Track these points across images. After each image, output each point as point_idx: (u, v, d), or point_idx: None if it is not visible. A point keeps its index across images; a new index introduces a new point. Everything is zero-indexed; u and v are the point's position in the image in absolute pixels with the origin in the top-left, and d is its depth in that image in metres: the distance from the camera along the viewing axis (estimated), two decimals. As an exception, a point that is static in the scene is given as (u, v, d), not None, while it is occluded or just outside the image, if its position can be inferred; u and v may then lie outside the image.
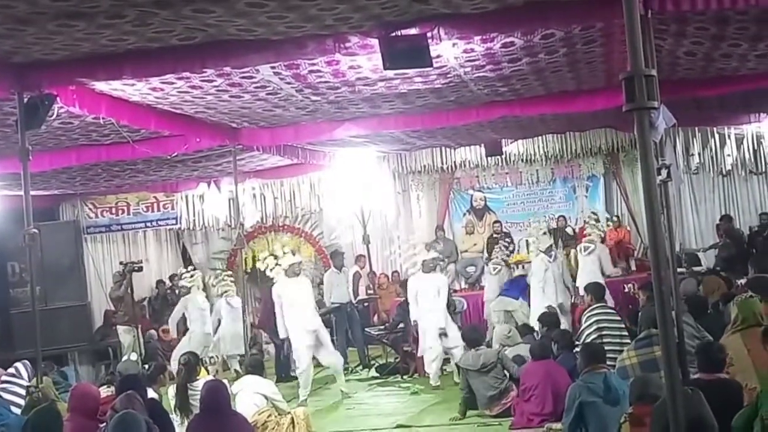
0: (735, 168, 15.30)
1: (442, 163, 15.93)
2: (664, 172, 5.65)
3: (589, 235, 13.18)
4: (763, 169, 15.35)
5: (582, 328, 9.23)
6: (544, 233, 13.06)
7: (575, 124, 13.58)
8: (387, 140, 12.88)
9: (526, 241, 13.36)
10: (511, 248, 14.75)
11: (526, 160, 15.99)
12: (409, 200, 16.88)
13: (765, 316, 6.68)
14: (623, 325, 9.09)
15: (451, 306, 12.42)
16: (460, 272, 15.36)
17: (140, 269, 13.31)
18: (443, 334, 11.14)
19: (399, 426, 9.33)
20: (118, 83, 7.48)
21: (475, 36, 6.90)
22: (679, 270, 7.76)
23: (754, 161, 15.15)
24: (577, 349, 8.35)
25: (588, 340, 8.70)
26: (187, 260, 16.88)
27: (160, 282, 16.04)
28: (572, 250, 13.74)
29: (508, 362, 9.31)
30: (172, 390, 8.45)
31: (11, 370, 8.16)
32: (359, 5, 5.78)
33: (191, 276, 13.77)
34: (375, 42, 6.43)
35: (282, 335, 11.51)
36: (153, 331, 14.33)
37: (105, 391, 7.67)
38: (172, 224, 16.48)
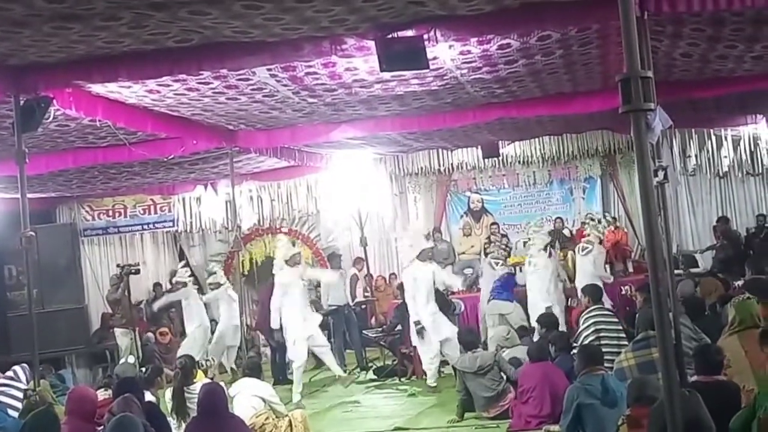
0: (732, 170, 15.32)
1: (439, 165, 15.95)
2: (660, 174, 5.65)
3: (588, 235, 13.17)
4: (760, 171, 15.37)
5: (579, 330, 9.22)
6: (548, 232, 13.12)
7: (572, 126, 13.59)
8: (384, 142, 12.89)
9: (527, 239, 13.29)
10: (508, 250, 14.74)
11: (523, 161, 16.00)
12: (407, 202, 16.87)
13: (762, 317, 6.68)
14: (621, 327, 9.08)
15: (449, 307, 12.43)
16: (458, 274, 15.34)
17: (137, 272, 13.29)
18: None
19: (397, 428, 9.30)
20: (115, 85, 7.47)
21: (472, 38, 6.90)
22: (676, 272, 7.79)
23: (750, 163, 15.17)
24: (575, 350, 8.34)
25: (585, 342, 8.70)
26: (184, 263, 16.85)
27: (157, 285, 16.01)
28: (569, 252, 13.73)
29: (505, 364, 9.31)
30: (169, 393, 8.44)
31: (9, 373, 8.15)
32: (355, 7, 5.77)
33: (189, 274, 13.78)
34: (371, 44, 6.43)
35: (276, 326, 11.56)
36: (150, 334, 14.31)
37: (102, 394, 7.65)
38: (169, 227, 16.48)
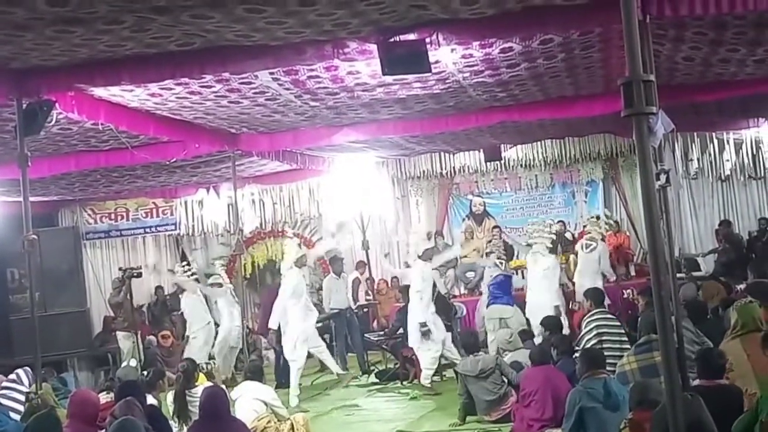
0: (734, 173, 15.30)
1: (441, 169, 15.94)
2: (663, 177, 5.65)
3: (590, 233, 13.17)
4: (762, 174, 15.36)
5: (582, 333, 9.22)
6: (553, 233, 13.14)
7: (574, 130, 13.58)
8: (386, 145, 12.89)
9: (528, 242, 13.27)
10: (509, 253, 14.74)
11: (525, 165, 15.99)
12: (408, 206, 16.87)
13: (764, 321, 6.68)
14: (623, 331, 9.07)
15: (451, 311, 12.44)
16: (460, 277, 15.32)
17: (139, 275, 13.30)
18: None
19: (398, 432, 9.33)
20: (117, 89, 7.48)
21: (474, 41, 6.91)
22: (678, 275, 7.75)
23: (752, 166, 15.16)
24: (577, 354, 8.33)
25: (588, 346, 8.69)
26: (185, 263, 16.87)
27: (159, 288, 16.02)
28: (571, 255, 13.72)
29: (506, 368, 9.30)
30: (171, 396, 8.44)
31: (12, 376, 8.16)
32: (358, 10, 5.78)
33: (190, 273, 13.77)
34: (373, 47, 6.43)
35: (274, 327, 11.61)
36: (152, 337, 14.31)
37: (104, 398, 7.66)
38: (172, 230, 16.49)
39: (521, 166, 16.05)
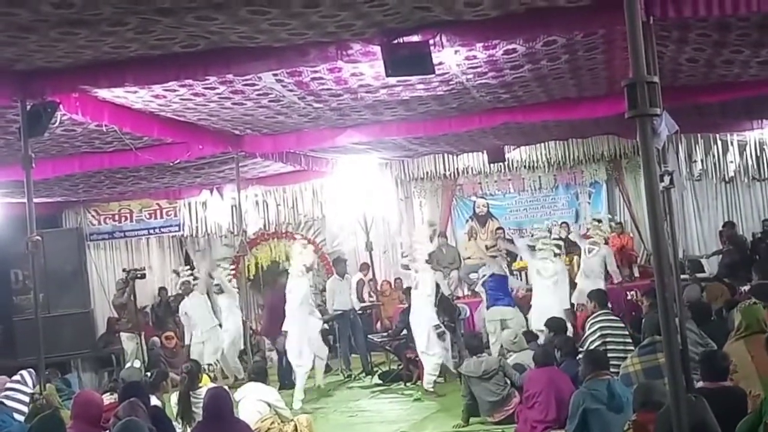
0: (738, 174, 15.28)
1: (445, 170, 15.96)
2: (666, 179, 5.65)
3: (592, 237, 13.17)
4: (766, 176, 15.34)
5: (586, 335, 9.22)
6: (560, 238, 13.15)
7: (577, 131, 13.58)
8: (389, 147, 12.89)
9: (534, 245, 13.25)
10: (513, 254, 14.73)
11: (529, 166, 16.00)
12: (412, 207, 16.86)
13: (769, 322, 6.67)
14: (627, 332, 9.07)
15: (455, 312, 12.44)
16: (463, 279, 15.32)
17: (143, 276, 13.31)
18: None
19: (402, 433, 9.34)
20: (121, 91, 7.49)
21: (477, 43, 6.90)
22: (682, 277, 7.76)
23: (756, 168, 15.14)
24: (580, 356, 8.33)
25: (591, 347, 8.69)
26: (190, 267, 16.85)
27: (162, 289, 16.03)
28: (575, 257, 13.71)
29: (510, 370, 9.31)
30: (174, 397, 8.45)
31: (16, 377, 8.17)
32: (361, 12, 5.78)
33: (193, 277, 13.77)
34: (377, 49, 6.43)
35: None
36: (156, 338, 14.31)
37: (108, 399, 7.68)
38: (175, 231, 16.51)
39: (525, 167, 16.05)
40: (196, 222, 16.36)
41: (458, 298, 14.41)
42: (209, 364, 12.73)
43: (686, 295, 8.86)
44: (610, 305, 10.03)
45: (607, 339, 8.88)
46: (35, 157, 7.27)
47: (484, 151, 14.36)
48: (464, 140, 12.63)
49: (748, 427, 4.54)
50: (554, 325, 10.02)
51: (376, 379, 12.76)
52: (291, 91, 8.15)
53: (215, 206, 15.74)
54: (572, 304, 12.21)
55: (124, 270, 14.06)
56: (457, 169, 15.94)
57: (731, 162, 15.10)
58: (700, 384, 5.63)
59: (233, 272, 14.55)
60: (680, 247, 11.83)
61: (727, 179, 15.46)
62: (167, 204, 16.16)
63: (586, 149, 15.39)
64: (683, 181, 14.33)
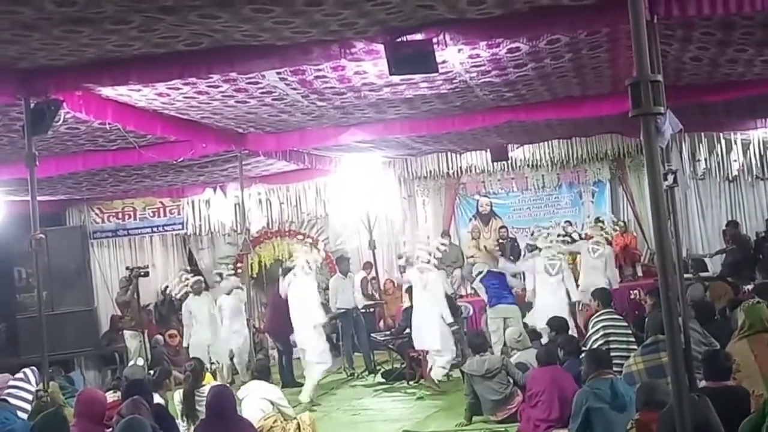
0: (741, 173, 15.25)
1: (448, 169, 15.94)
2: (670, 178, 5.64)
3: (593, 237, 13.15)
4: (770, 175, 15.33)
5: (589, 333, 9.22)
6: (567, 235, 13.15)
7: (581, 130, 13.58)
8: (393, 145, 12.89)
9: (535, 247, 13.21)
10: (516, 253, 14.73)
11: (532, 165, 15.99)
12: (415, 205, 16.87)
13: (772, 322, 6.65)
14: (630, 331, 9.07)
15: (457, 311, 12.43)
16: (466, 277, 15.32)
17: (146, 274, 13.32)
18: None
19: (405, 432, 9.33)
20: (124, 89, 7.49)
21: (481, 41, 6.90)
22: (685, 276, 7.75)
23: (760, 166, 15.10)
24: (583, 355, 8.33)
25: (595, 346, 8.68)
26: (193, 265, 16.89)
27: (166, 287, 16.03)
28: (578, 255, 13.70)
29: (512, 368, 9.31)
30: (177, 395, 8.45)
31: (19, 375, 8.17)
32: (364, 10, 5.78)
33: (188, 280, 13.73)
34: (380, 47, 6.43)
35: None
36: (159, 336, 14.33)
37: (111, 396, 7.68)
38: (179, 229, 16.51)
39: (528, 166, 16.04)
40: (200, 220, 16.37)
41: (461, 296, 14.41)
42: (212, 363, 12.73)
43: (689, 294, 8.84)
44: (613, 304, 10.02)
45: (610, 338, 8.87)
46: (39, 155, 7.28)
47: (488, 150, 14.36)
48: (467, 139, 12.63)
49: (751, 427, 4.53)
50: (556, 324, 10.01)
51: (378, 378, 12.78)
52: (294, 89, 8.16)
53: (218, 204, 15.74)
54: (575, 303, 12.19)
55: (127, 268, 14.09)
56: (461, 167, 15.93)
57: (735, 161, 15.07)
58: (702, 383, 5.62)
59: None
60: (684, 246, 11.86)
61: (730, 178, 15.42)
62: (171, 202, 16.17)
63: (590, 148, 15.36)
64: (687, 180, 14.27)
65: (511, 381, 9.22)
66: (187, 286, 13.34)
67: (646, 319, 8.38)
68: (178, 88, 7.72)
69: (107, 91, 7.55)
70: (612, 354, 8.18)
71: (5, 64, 6.42)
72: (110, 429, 6.25)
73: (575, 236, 14.80)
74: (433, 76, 7.77)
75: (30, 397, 7.64)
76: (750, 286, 10.74)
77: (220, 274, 13.99)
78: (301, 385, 11.76)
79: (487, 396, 9.20)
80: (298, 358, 12.39)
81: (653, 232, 3.99)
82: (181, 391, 8.44)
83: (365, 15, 5.88)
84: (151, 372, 9.76)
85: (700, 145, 15.11)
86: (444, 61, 7.27)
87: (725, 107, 11.31)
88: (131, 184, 13.65)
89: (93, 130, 8.91)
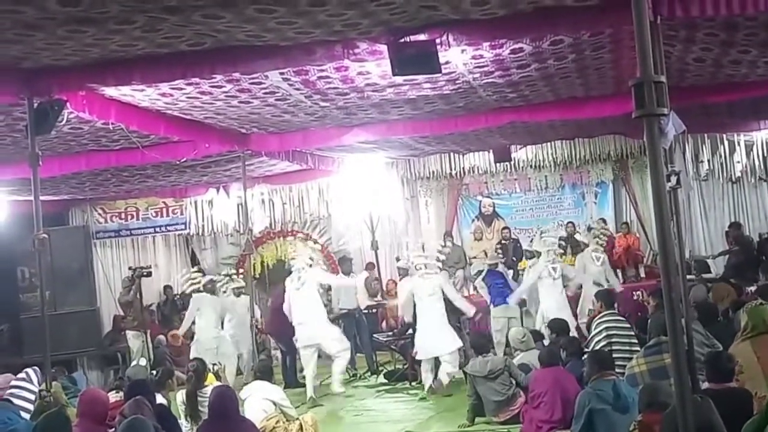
0: (744, 175, 15.24)
1: (451, 169, 15.95)
2: (673, 179, 5.63)
3: (590, 244, 13.15)
4: (773, 176, 15.32)
5: (591, 335, 9.20)
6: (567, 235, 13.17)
7: (584, 131, 13.57)
8: (396, 146, 12.89)
9: (535, 249, 13.20)
10: (519, 254, 14.73)
11: (535, 166, 16.00)
12: (418, 206, 16.87)
13: (775, 323, 6.64)
14: (633, 333, 9.05)
15: (459, 312, 12.42)
16: (469, 278, 15.33)
17: (149, 274, 13.32)
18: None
19: (407, 432, 9.33)
20: (128, 89, 7.51)
21: (484, 42, 6.91)
22: (688, 277, 7.74)
23: (763, 168, 15.09)
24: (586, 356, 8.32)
25: (597, 347, 8.67)
26: (195, 266, 16.88)
27: (168, 287, 16.06)
28: (579, 255, 13.68)
29: (515, 370, 9.29)
30: (180, 395, 8.45)
31: (22, 375, 8.18)
32: (368, 11, 5.78)
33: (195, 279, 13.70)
34: (384, 48, 6.43)
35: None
36: (162, 337, 14.33)
37: (114, 397, 7.67)
38: (181, 229, 16.54)
39: (531, 166, 16.05)
40: (203, 220, 16.39)
41: (463, 297, 14.38)
42: (214, 364, 12.71)
43: (692, 295, 8.83)
44: (616, 306, 10.02)
45: (613, 339, 8.85)
46: (42, 154, 7.28)
47: (491, 151, 14.37)
48: (470, 139, 12.63)
49: (754, 429, 4.52)
50: (557, 326, 10.00)
51: (381, 379, 12.76)
52: (298, 89, 8.16)
53: (221, 205, 15.76)
54: (576, 303, 12.22)
55: (130, 268, 14.08)
56: (464, 168, 15.94)
57: (738, 162, 15.07)
58: (705, 385, 5.62)
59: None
60: (687, 248, 11.84)
61: (733, 179, 15.42)
62: (173, 202, 16.20)
63: (593, 149, 15.37)
64: (690, 181, 14.31)
65: (514, 382, 9.20)
66: (198, 283, 13.31)
67: (649, 321, 8.36)
68: (182, 88, 7.73)
69: (111, 91, 7.56)
70: (615, 355, 8.16)
71: (9, 64, 6.43)
72: (113, 429, 6.24)
73: (577, 237, 14.79)
74: (436, 76, 7.77)
75: (32, 397, 7.65)
76: (753, 288, 10.73)
77: (229, 275, 13.94)
78: (304, 385, 11.76)
79: (490, 397, 9.19)
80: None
81: (656, 233, 3.99)
82: (184, 391, 8.43)
83: (369, 15, 5.88)
84: (154, 372, 9.75)
85: (704, 146, 15.11)
86: (447, 62, 7.28)
87: (728, 108, 11.30)
88: (134, 184, 13.66)
89: (96, 130, 8.92)
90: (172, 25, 5.72)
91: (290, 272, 12.12)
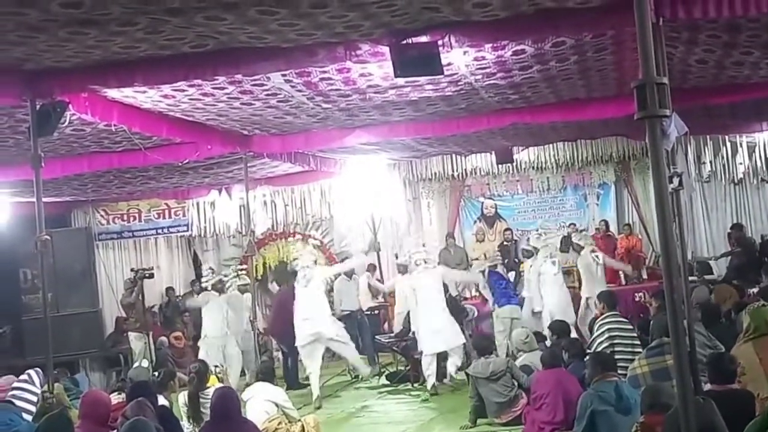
0: (747, 176, 15.24)
1: (453, 171, 15.94)
2: (675, 181, 5.63)
3: (586, 247, 13.16)
4: (775, 178, 15.31)
5: (594, 336, 9.20)
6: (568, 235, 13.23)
7: (586, 132, 13.56)
8: (398, 147, 12.89)
9: (533, 247, 13.19)
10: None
11: (537, 167, 16.00)
12: (420, 208, 16.86)
13: (777, 324, 6.64)
14: (635, 334, 9.05)
15: (462, 313, 12.43)
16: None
17: (151, 276, 13.32)
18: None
19: (409, 434, 9.34)
20: (130, 90, 7.51)
21: (486, 44, 6.90)
22: (690, 278, 7.74)
23: (766, 169, 15.08)
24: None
25: (599, 349, 8.67)
26: (198, 267, 16.89)
27: (170, 289, 16.06)
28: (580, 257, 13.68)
29: (517, 371, 9.30)
30: (182, 397, 8.45)
31: (24, 376, 8.19)
32: (370, 13, 5.78)
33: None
34: (386, 50, 6.43)
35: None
36: (164, 338, 14.31)
37: (116, 398, 7.68)
38: (184, 231, 16.53)
39: (533, 168, 16.05)
40: (205, 222, 16.38)
41: (465, 299, 14.40)
42: (216, 366, 12.70)
43: (695, 297, 8.84)
44: (618, 307, 10.02)
45: (615, 341, 8.85)
46: (44, 156, 7.28)
47: (493, 152, 14.35)
48: (472, 141, 12.63)
49: (756, 430, 4.52)
50: (558, 328, 10.01)
51: (383, 380, 12.76)
52: (300, 91, 8.16)
53: (224, 206, 15.76)
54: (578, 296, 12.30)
55: (132, 270, 14.07)
56: (466, 169, 15.94)
57: (740, 164, 15.07)
58: (707, 386, 5.62)
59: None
60: (689, 249, 11.84)
61: (736, 181, 15.42)
62: (176, 204, 16.19)
63: (595, 150, 15.37)
64: (692, 182, 14.30)
65: (516, 383, 9.21)
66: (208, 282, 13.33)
67: (651, 322, 8.38)
68: (184, 90, 7.73)
69: (113, 93, 7.56)
70: (617, 357, 8.16)
71: (11, 66, 6.43)
72: (115, 431, 6.26)
73: (575, 237, 14.73)
74: (438, 78, 7.76)
75: (34, 398, 7.65)
76: (755, 289, 10.72)
77: (237, 273, 13.92)
78: (305, 386, 11.77)
79: (492, 398, 9.20)
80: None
81: (658, 234, 3.99)
82: (186, 392, 8.43)
83: (371, 17, 5.88)
84: (156, 374, 9.76)
85: (706, 147, 15.11)
86: (449, 64, 7.27)
87: (731, 110, 11.30)
88: (136, 186, 13.67)
89: (98, 131, 8.93)
90: (175, 27, 5.72)
91: (293, 273, 12.15)
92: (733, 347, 6.63)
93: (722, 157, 15.17)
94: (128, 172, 11.91)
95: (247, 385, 10.19)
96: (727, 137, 14.91)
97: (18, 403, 7.60)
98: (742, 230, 14.40)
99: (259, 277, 15.70)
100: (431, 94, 8.84)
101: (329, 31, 6.11)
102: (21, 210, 12.09)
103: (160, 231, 16.44)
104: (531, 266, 12.61)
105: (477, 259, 15.56)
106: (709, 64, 8.27)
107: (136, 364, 11.56)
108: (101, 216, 16.08)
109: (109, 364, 14.85)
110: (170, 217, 16.37)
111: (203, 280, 13.20)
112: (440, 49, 6.35)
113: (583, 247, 13.09)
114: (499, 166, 15.21)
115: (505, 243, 15.21)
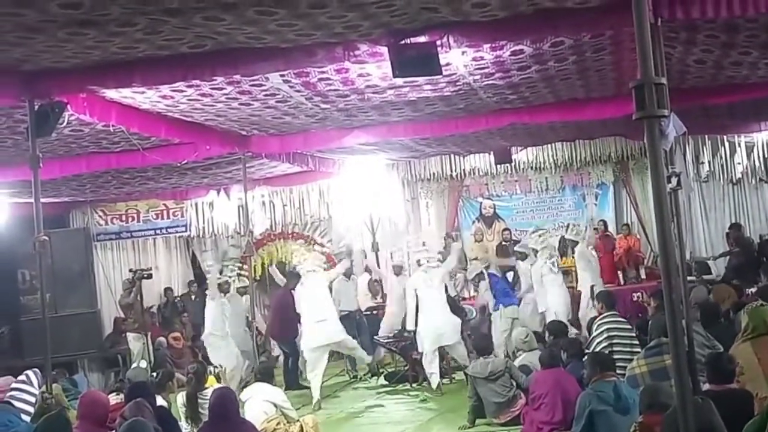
0: (745, 176, 15.25)
1: (452, 171, 15.94)
2: (674, 181, 5.64)
3: (581, 243, 13.18)
4: (774, 177, 15.32)
5: (592, 336, 9.20)
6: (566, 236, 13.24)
7: (585, 132, 13.57)
8: (396, 148, 12.89)
9: (531, 248, 13.20)
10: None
11: (536, 167, 16.00)
12: (419, 208, 16.85)
13: (776, 324, 6.64)
14: (634, 334, 9.06)
15: (462, 313, 12.43)
16: (470, 280, 15.31)
17: (150, 276, 13.31)
18: None
19: (408, 434, 9.34)
20: (128, 91, 7.50)
21: (485, 44, 6.90)
22: (689, 278, 7.74)
23: (764, 169, 15.10)
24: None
25: (598, 349, 8.68)
26: (196, 268, 16.89)
27: (168, 289, 16.05)
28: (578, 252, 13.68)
29: (516, 371, 9.30)
30: (180, 397, 8.45)
31: (22, 377, 8.19)
32: (368, 13, 5.78)
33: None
34: (384, 50, 6.43)
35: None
36: (162, 339, 14.30)
37: (114, 399, 7.67)
38: (182, 232, 16.52)
39: (531, 168, 16.05)
40: (203, 222, 16.38)
41: (464, 299, 14.41)
42: (214, 367, 12.69)
43: (693, 296, 8.84)
44: (617, 307, 10.03)
45: (614, 341, 8.85)
46: (43, 157, 7.28)
47: (491, 152, 14.36)
48: (471, 141, 12.64)
49: (754, 430, 4.52)
50: (555, 328, 10.04)
51: (382, 380, 12.76)
52: (298, 91, 8.16)
53: (222, 207, 15.75)
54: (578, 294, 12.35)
55: (130, 270, 14.06)
56: (464, 170, 15.94)
57: (739, 163, 15.08)
58: (706, 386, 5.62)
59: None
60: (687, 249, 11.85)
61: (734, 181, 15.43)
62: (174, 204, 16.18)
63: (593, 150, 15.38)
64: (690, 182, 14.29)
65: (515, 384, 9.22)
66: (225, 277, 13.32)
67: (650, 322, 8.37)
68: (182, 91, 7.73)
69: (111, 94, 7.56)
70: (615, 356, 8.17)
71: (9, 66, 6.43)
72: (113, 431, 6.25)
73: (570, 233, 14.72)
74: (437, 78, 7.76)
75: (33, 399, 7.65)
76: (753, 289, 10.74)
77: (239, 274, 13.91)
78: (305, 387, 11.77)
79: (491, 398, 9.20)
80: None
81: (657, 234, 3.99)
82: (184, 393, 8.43)
83: (369, 17, 5.88)
84: (154, 374, 9.76)
85: (704, 147, 15.12)
86: (448, 64, 7.27)
87: (729, 110, 11.31)
88: (135, 186, 13.66)
89: (97, 132, 8.92)
90: (173, 28, 5.72)
91: (297, 275, 12.17)
92: (732, 347, 6.64)
93: (720, 157, 15.18)
94: (127, 173, 11.90)
95: (246, 385, 10.19)
96: (725, 137, 14.92)
97: (16, 403, 7.60)
98: (740, 230, 14.42)
99: (258, 278, 15.69)
100: (430, 95, 8.84)
101: (328, 31, 6.11)
102: (19, 210, 12.08)
103: (158, 231, 16.43)
104: (532, 267, 12.60)
105: (475, 259, 15.55)
106: (707, 65, 8.28)
107: (134, 365, 11.56)
108: (100, 216, 16.07)
109: (108, 365, 14.84)
110: (169, 217, 16.36)
111: (208, 275, 13.19)
112: (439, 49, 6.35)
113: (577, 242, 13.11)
114: (498, 166, 15.20)
115: (503, 243, 15.21)
